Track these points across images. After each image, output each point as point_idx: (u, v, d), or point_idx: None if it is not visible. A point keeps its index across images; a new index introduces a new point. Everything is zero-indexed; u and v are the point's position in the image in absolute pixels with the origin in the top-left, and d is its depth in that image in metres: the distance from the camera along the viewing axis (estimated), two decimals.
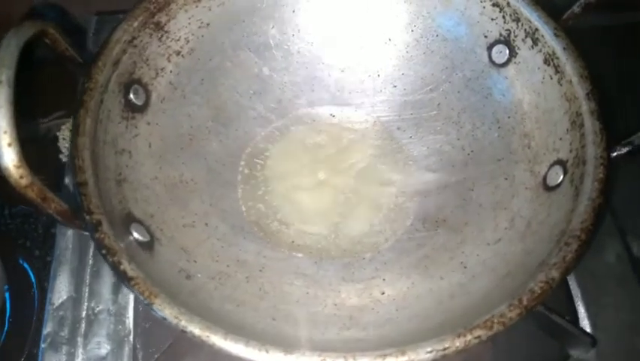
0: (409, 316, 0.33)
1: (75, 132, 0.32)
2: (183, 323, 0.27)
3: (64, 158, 0.54)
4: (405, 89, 0.42)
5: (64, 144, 0.56)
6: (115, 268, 0.28)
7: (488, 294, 0.31)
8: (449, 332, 0.27)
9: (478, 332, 0.26)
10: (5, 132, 0.26)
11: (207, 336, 0.26)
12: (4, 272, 0.51)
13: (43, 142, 0.56)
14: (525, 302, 0.27)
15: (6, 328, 0.48)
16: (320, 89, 0.43)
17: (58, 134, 0.55)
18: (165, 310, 0.27)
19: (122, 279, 0.28)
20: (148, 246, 0.33)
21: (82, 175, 0.31)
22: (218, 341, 0.26)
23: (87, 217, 0.29)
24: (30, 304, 0.50)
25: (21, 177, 0.27)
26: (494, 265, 0.33)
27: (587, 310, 0.38)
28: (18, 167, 0.27)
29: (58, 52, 0.33)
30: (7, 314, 0.49)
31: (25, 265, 0.51)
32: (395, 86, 0.43)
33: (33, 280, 0.51)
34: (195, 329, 0.27)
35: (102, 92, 0.34)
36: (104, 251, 0.29)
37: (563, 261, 0.28)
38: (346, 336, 0.32)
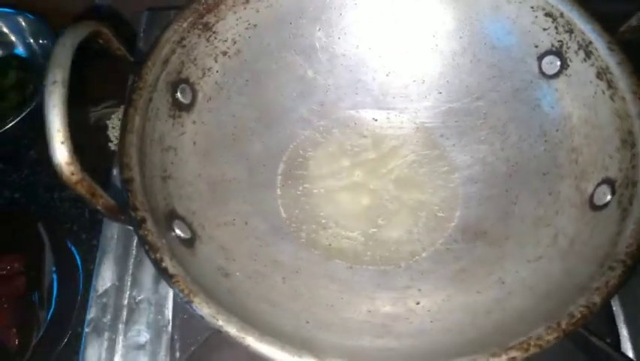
0: (443, 329, 0.33)
1: (123, 130, 0.33)
2: (220, 322, 0.28)
3: (113, 146, 0.56)
4: (450, 97, 0.42)
5: (113, 133, 0.58)
6: (157, 264, 0.29)
7: (524, 313, 0.31)
8: (483, 351, 0.26)
9: (513, 353, 0.26)
10: (59, 131, 0.27)
11: (243, 337, 0.27)
12: (52, 254, 0.54)
13: (93, 131, 0.58)
14: (564, 326, 0.27)
15: (52, 308, 0.50)
16: (363, 93, 0.43)
17: (107, 122, 0.57)
18: (204, 309, 0.28)
19: (163, 276, 0.29)
20: (189, 243, 0.34)
21: (128, 172, 0.32)
22: (253, 342, 0.27)
23: (132, 214, 0.30)
24: (75, 286, 0.52)
25: (72, 174, 0.28)
26: (533, 284, 0.33)
27: (630, 332, 0.37)
28: (69, 164, 0.28)
29: (111, 51, 0.34)
30: (54, 295, 0.51)
31: (72, 248, 0.54)
32: (440, 93, 0.42)
33: (79, 262, 0.53)
34: (232, 330, 0.27)
35: (151, 91, 0.35)
36: (147, 247, 0.30)
37: (606, 286, 0.28)
38: (379, 345, 0.32)
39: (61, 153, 0.28)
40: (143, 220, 0.30)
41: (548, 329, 0.27)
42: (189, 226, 0.35)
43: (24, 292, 0.50)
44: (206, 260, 0.34)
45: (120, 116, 0.59)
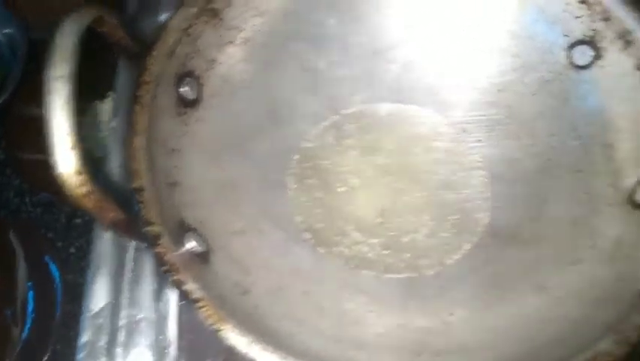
0: (487, 343, 0.30)
1: (131, 131, 0.29)
2: (255, 352, 0.24)
3: None
4: (471, 89, 0.39)
5: None
6: (178, 287, 0.26)
7: (577, 322, 0.29)
8: None
9: None
10: (67, 134, 0.23)
11: None
12: (26, 265, 0.49)
13: None
14: (633, 340, 0.25)
15: (28, 324, 0.46)
16: (378, 86, 0.40)
17: None
18: (235, 338, 0.25)
19: (186, 299, 0.25)
20: (204, 257, 0.30)
21: (138, 180, 0.28)
22: None
23: (146, 229, 0.27)
24: (53, 299, 0.48)
25: (81, 185, 0.24)
26: (579, 289, 0.31)
27: None
28: (79, 173, 0.24)
29: (115, 40, 0.30)
30: (30, 310, 0.47)
31: (48, 258, 0.49)
32: (460, 85, 0.40)
33: (56, 273, 0.49)
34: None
35: (156, 86, 0.31)
36: (165, 267, 0.26)
37: None
38: None
39: (69, 161, 0.23)
40: (159, 236, 0.27)
41: (617, 344, 0.25)
42: (201, 237, 0.31)
43: None
44: (221, 275, 0.30)
45: None
